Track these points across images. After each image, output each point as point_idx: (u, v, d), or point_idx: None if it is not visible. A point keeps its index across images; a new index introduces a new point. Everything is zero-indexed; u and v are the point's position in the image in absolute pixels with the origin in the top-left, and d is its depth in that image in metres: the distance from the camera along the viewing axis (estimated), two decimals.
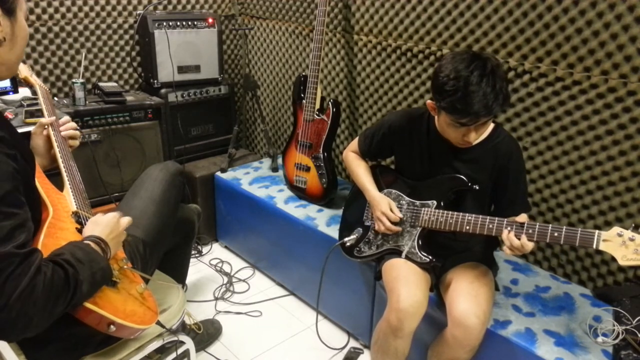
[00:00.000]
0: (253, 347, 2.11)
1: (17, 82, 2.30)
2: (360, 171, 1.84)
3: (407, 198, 1.72)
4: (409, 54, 2.20)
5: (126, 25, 2.74)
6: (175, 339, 1.50)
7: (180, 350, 1.56)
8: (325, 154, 2.31)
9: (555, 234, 1.36)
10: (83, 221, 1.29)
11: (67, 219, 1.27)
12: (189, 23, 2.69)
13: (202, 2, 2.98)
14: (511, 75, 1.89)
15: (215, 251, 2.81)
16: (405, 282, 1.58)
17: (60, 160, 1.41)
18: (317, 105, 2.31)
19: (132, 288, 1.30)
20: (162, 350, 1.52)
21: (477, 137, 1.51)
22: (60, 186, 1.36)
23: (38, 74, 2.50)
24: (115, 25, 2.70)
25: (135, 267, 1.38)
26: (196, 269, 2.61)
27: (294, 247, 2.33)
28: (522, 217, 1.55)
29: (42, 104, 1.57)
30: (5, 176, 0.97)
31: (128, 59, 2.80)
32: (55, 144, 1.43)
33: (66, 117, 1.52)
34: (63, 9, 2.51)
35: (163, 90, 2.69)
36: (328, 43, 2.53)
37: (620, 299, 1.67)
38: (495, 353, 1.58)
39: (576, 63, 1.72)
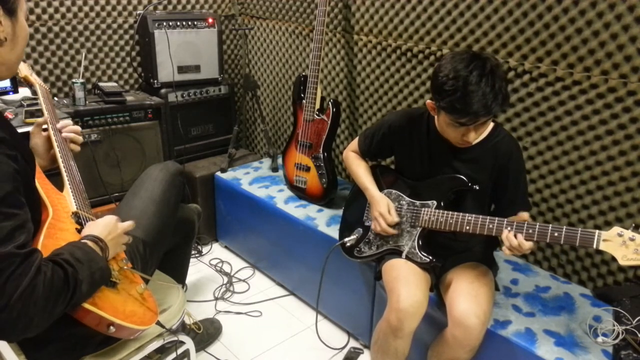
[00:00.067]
0: (253, 347, 2.11)
1: (17, 82, 2.30)
2: (361, 171, 1.84)
3: (407, 198, 1.72)
4: (409, 54, 2.20)
5: (126, 25, 2.74)
6: (175, 339, 1.50)
7: (180, 350, 1.56)
8: (325, 154, 2.31)
9: (556, 234, 1.36)
10: (83, 221, 1.29)
11: (67, 219, 1.27)
12: (189, 23, 2.69)
13: (202, 2, 2.98)
14: (511, 75, 1.89)
15: (215, 251, 2.81)
16: (406, 282, 1.58)
17: (60, 161, 1.40)
18: (317, 105, 2.31)
19: (132, 288, 1.30)
20: (162, 350, 1.52)
21: (476, 137, 1.51)
22: (60, 186, 1.36)
23: (38, 74, 2.49)
24: (115, 25, 2.70)
25: (135, 268, 1.38)
26: (196, 269, 2.61)
27: (294, 247, 2.33)
28: (524, 217, 1.55)
29: (42, 103, 1.56)
30: (5, 177, 0.98)
31: (128, 59, 2.80)
32: (55, 144, 1.42)
33: (68, 121, 1.51)
34: (63, 9, 2.51)
35: (163, 90, 2.69)
36: (328, 43, 2.53)
37: (620, 299, 1.67)
38: (495, 353, 1.58)
39: (576, 63, 1.72)
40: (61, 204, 1.29)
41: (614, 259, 1.28)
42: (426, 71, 2.16)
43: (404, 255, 1.67)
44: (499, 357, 1.58)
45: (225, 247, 2.83)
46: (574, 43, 1.70)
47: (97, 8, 2.62)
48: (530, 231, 1.40)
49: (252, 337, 2.17)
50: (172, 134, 2.72)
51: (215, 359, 2.03)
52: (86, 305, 1.11)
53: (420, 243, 1.66)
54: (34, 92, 2.26)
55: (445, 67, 1.43)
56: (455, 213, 1.56)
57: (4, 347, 1.16)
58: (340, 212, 2.06)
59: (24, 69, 1.76)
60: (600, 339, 1.53)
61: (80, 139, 1.51)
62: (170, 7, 2.87)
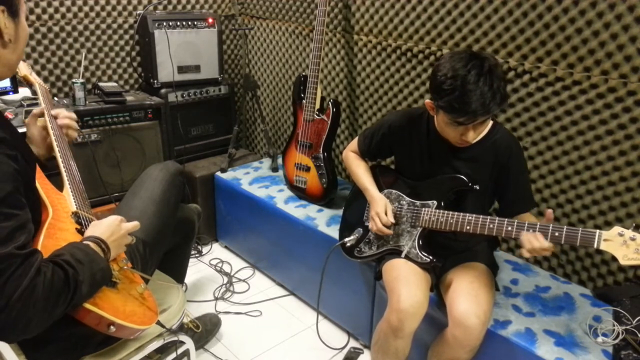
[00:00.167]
0: (253, 347, 2.11)
1: (17, 82, 2.30)
2: (360, 171, 1.84)
3: (407, 198, 1.72)
4: (409, 54, 2.20)
5: (126, 25, 2.74)
6: (175, 339, 1.50)
7: (180, 350, 1.56)
8: (325, 154, 2.31)
9: (556, 234, 1.36)
10: (83, 221, 1.29)
11: (67, 219, 1.27)
12: (189, 23, 2.69)
13: (202, 2, 2.98)
14: (511, 75, 1.89)
15: (215, 251, 2.81)
16: (406, 283, 1.58)
17: (60, 160, 1.40)
18: (317, 105, 2.31)
19: (132, 288, 1.30)
20: (162, 350, 1.52)
21: (475, 136, 1.51)
22: (60, 186, 1.36)
23: (38, 74, 2.49)
24: (115, 25, 2.70)
25: (135, 268, 1.38)
26: (196, 269, 2.61)
27: (294, 247, 2.33)
28: (530, 218, 1.55)
29: (42, 103, 1.56)
30: (6, 177, 0.98)
31: (128, 59, 2.80)
32: (51, 132, 1.42)
33: (63, 109, 1.51)
34: (63, 9, 2.51)
35: (163, 90, 2.69)
36: (328, 43, 2.53)
37: (620, 299, 1.67)
38: (495, 353, 1.58)
39: (576, 63, 1.72)
40: (61, 204, 1.29)
41: (614, 258, 1.28)
42: (426, 71, 2.16)
43: (403, 255, 1.67)
44: (499, 357, 1.58)
45: (225, 247, 2.83)
46: (574, 43, 1.70)
47: (97, 8, 2.62)
48: (531, 231, 1.40)
49: (252, 337, 2.17)
50: (172, 134, 2.72)
51: (216, 359, 2.03)
52: (86, 305, 1.11)
53: (421, 243, 1.66)
54: (34, 92, 2.26)
55: (443, 67, 1.43)
56: (456, 213, 1.56)
57: (4, 347, 1.16)
58: (340, 212, 2.06)
59: (24, 68, 1.76)
60: (600, 339, 1.53)
61: (75, 125, 1.51)
62: (170, 7, 2.87)
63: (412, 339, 1.60)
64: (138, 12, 2.69)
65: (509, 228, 1.45)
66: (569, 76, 1.74)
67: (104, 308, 1.15)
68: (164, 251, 1.65)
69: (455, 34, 2.02)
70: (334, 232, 2.08)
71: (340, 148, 2.68)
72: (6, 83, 2.26)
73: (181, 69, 2.73)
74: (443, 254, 1.68)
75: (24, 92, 2.35)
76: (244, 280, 2.55)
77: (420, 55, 2.16)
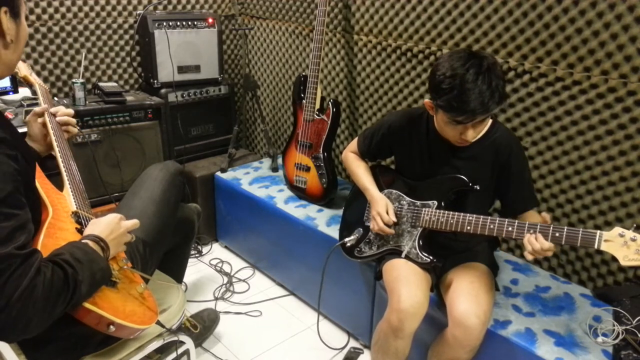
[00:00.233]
0: (253, 347, 2.11)
1: (17, 82, 2.30)
2: (360, 172, 1.84)
3: (407, 198, 1.72)
4: (409, 54, 2.20)
5: (126, 25, 2.74)
6: (176, 338, 1.50)
7: (180, 350, 1.56)
8: (325, 154, 2.31)
9: (557, 234, 1.36)
10: (83, 221, 1.29)
11: (67, 219, 1.27)
12: (189, 23, 2.69)
13: (202, 2, 2.98)
14: (511, 75, 1.89)
15: (215, 251, 2.81)
16: (406, 283, 1.58)
17: (60, 160, 1.41)
18: (317, 105, 2.31)
19: (132, 288, 1.30)
20: (162, 350, 1.52)
21: (475, 135, 1.51)
22: (60, 186, 1.36)
23: (38, 74, 2.49)
24: (115, 25, 2.70)
25: (135, 267, 1.38)
26: (196, 269, 2.61)
27: (294, 247, 2.33)
28: (535, 217, 1.54)
29: (42, 103, 1.56)
30: (6, 177, 0.98)
31: (128, 59, 2.80)
32: (51, 132, 1.43)
33: (61, 106, 1.52)
34: (63, 9, 2.51)
35: (163, 90, 2.69)
36: (328, 43, 2.53)
37: (620, 299, 1.67)
38: (495, 353, 1.58)
39: (576, 63, 1.72)
40: (61, 203, 1.29)
41: (614, 259, 1.28)
42: (426, 71, 2.16)
43: (403, 255, 1.67)
44: (499, 357, 1.58)
45: (225, 247, 2.83)
46: (574, 43, 1.70)
47: (97, 8, 2.62)
48: (532, 231, 1.40)
49: (252, 337, 2.17)
50: (172, 134, 2.72)
51: (216, 359, 2.03)
52: (86, 305, 1.11)
53: (421, 243, 1.66)
54: (34, 92, 2.26)
55: (442, 66, 1.43)
56: (456, 213, 1.56)
57: (4, 347, 1.16)
58: (340, 212, 2.06)
59: (24, 69, 1.76)
60: (600, 339, 1.53)
61: (73, 120, 1.52)
62: (170, 7, 2.87)
63: (412, 339, 1.60)
64: (138, 12, 2.69)
65: (510, 229, 1.45)
66: (569, 76, 1.74)
67: (104, 308, 1.15)
68: (164, 251, 1.65)
69: (455, 34, 2.02)
70: (334, 232, 2.08)
71: (340, 148, 2.68)
72: (6, 83, 2.26)
73: (181, 69, 2.73)
74: (443, 254, 1.68)
75: (24, 92, 2.35)
76: (244, 280, 2.55)
77: (420, 55, 2.16)
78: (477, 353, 1.55)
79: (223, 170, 2.71)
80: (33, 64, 2.51)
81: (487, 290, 1.56)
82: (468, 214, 1.54)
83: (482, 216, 1.51)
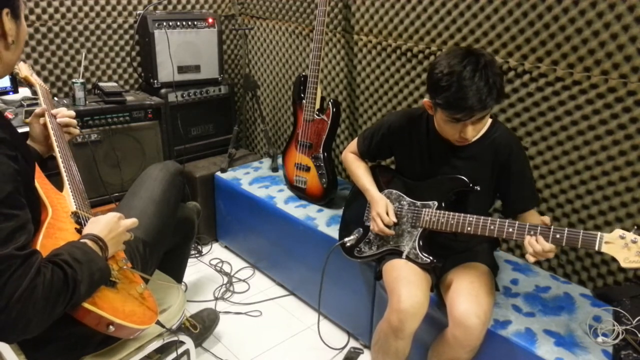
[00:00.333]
0: (253, 347, 2.11)
1: (17, 82, 2.30)
2: (360, 172, 1.84)
3: (407, 198, 1.72)
4: (409, 54, 2.20)
5: (126, 25, 2.74)
6: (176, 338, 1.50)
7: (180, 350, 1.56)
8: (325, 154, 2.31)
9: (558, 236, 1.36)
10: (82, 221, 1.29)
11: (67, 219, 1.27)
12: (189, 23, 2.69)
13: (202, 2, 2.98)
14: (511, 75, 1.89)
15: (215, 251, 2.81)
16: (406, 283, 1.58)
17: (60, 161, 1.41)
18: (317, 105, 2.31)
19: (131, 288, 1.30)
20: (162, 350, 1.52)
21: (474, 134, 1.51)
22: (60, 186, 1.36)
23: (38, 74, 2.49)
24: (115, 25, 2.70)
25: (135, 267, 1.38)
26: (196, 269, 2.61)
27: (294, 247, 2.33)
28: (534, 216, 1.54)
29: (42, 103, 1.57)
30: (6, 178, 0.98)
31: (128, 59, 2.80)
32: (51, 132, 1.44)
33: (63, 108, 1.53)
34: (63, 9, 2.51)
35: (163, 90, 2.69)
36: (328, 43, 2.53)
37: (620, 299, 1.67)
38: (495, 353, 1.58)
39: (576, 63, 1.72)
40: (61, 203, 1.29)
41: (614, 259, 1.28)
42: (426, 71, 2.15)
43: (404, 255, 1.67)
44: (499, 357, 1.58)
45: (225, 247, 2.83)
46: (574, 43, 1.70)
47: (97, 8, 2.62)
48: (532, 233, 1.40)
49: (252, 337, 2.17)
50: (172, 134, 2.72)
51: (216, 359, 2.03)
52: (86, 305, 1.11)
53: (421, 244, 1.66)
54: (34, 93, 2.26)
55: (440, 64, 1.43)
56: (457, 214, 1.56)
57: (4, 347, 1.16)
58: (340, 212, 2.06)
59: (24, 70, 1.76)
60: (600, 339, 1.53)
61: (74, 122, 1.53)
62: (170, 7, 2.87)
63: (412, 339, 1.60)
64: (138, 12, 2.69)
65: (510, 229, 1.44)
66: (569, 76, 1.74)
67: (104, 308, 1.15)
68: (164, 251, 1.65)
69: (455, 34, 2.01)
70: (334, 232, 2.08)
71: (340, 148, 2.68)
72: (6, 83, 2.26)
73: (181, 69, 2.73)
74: (443, 254, 1.67)
75: (24, 92, 2.35)
76: (244, 280, 2.55)
77: (420, 55, 2.16)
78: (477, 353, 1.55)
79: (223, 170, 2.71)
80: (33, 64, 2.51)
81: (487, 290, 1.56)
82: (468, 215, 1.54)
83: (482, 217, 1.51)
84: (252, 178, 2.65)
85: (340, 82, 2.56)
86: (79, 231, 1.26)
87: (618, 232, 1.27)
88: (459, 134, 1.49)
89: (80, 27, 2.59)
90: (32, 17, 2.44)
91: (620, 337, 1.49)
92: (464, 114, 1.42)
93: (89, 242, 1.16)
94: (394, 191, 1.76)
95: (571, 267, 1.93)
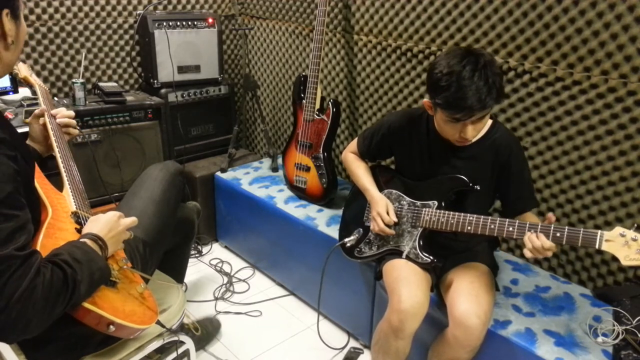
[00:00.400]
0: (253, 347, 2.11)
1: (17, 82, 2.30)
2: (360, 172, 1.84)
3: (407, 198, 1.72)
4: (409, 54, 2.20)
5: (126, 25, 2.74)
6: (176, 338, 1.50)
7: (180, 350, 1.56)
8: (325, 154, 2.31)
9: (558, 234, 1.36)
10: (82, 221, 1.29)
11: (67, 219, 1.27)
12: (189, 23, 2.69)
13: (202, 2, 2.98)
14: (511, 75, 1.89)
15: (215, 251, 2.81)
16: (406, 283, 1.58)
17: (60, 161, 1.41)
18: (317, 105, 2.31)
19: (131, 288, 1.30)
20: (162, 350, 1.52)
21: (474, 134, 1.51)
22: (60, 186, 1.36)
23: (38, 74, 2.50)
24: (115, 25, 2.70)
25: (135, 267, 1.38)
26: (196, 269, 2.61)
27: (294, 247, 2.33)
28: (533, 217, 1.54)
29: (42, 103, 1.57)
30: (6, 178, 0.98)
31: (128, 59, 2.80)
32: (51, 133, 1.44)
33: (62, 108, 1.53)
34: (63, 9, 2.52)
35: (163, 90, 2.69)
36: (328, 43, 2.53)
37: (620, 299, 1.67)
38: (495, 353, 1.58)
39: (576, 63, 1.72)
40: (60, 204, 1.29)
41: (614, 259, 1.28)
42: (426, 71, 2.15)
43: (404, 255, 1.67)
44: (499, 357, 1.58)
45: (225, 247, 2.83)
46: (574, 43, 1.70)
47: (97, 8, 2.62)
48: (532, 231, 1.40)
49: (252, 337, 2.17)
50: (172, 134, 2.72)
51: (216, 359, 2.03)
52: (86, 305, 1.11)
53: (421, 243, 1.66)
54: (34, 92, 2.26)
55: (439, 64, 1.43)
56: (457, 213, 1.56)
57: (4, 347, 1.16)
58: (340, 212, 2.06)
59: (24, 70, 1.76)
60: (600, 339, 1.53)
61: (74, 122, 1.53)
62: (170, 7, 2.87)
63: (412, 339, 1.60)
64: (138, 12, 2.69)
65: (510, 229, 1.45)
66: (569, 76, 1.74)
67: (104, 307, 1.15)
68: (164, 251, 1.65)
69: (455, 34, 2.01)
70: (334, 232, 2.08)
71: (340, 148, 2.68)
72: (6, 83, 2.26)
73: (181, 69, 2.73)
74: (443, 254, 1.68)
75: (24, 92, 2.35)
76: (244, 280, 2.55)
77: (420, 55, 2.16)
78: (478, 353, 1.55)
79: (223, 170, 2.71)
80: (33, 64, 2.51)
81: (487, 290, 1.56)
82: (468, 214, 1.54)
83: (482, 216, 1.51)
84: (252, 178, 2.65)
85: (340, 82, 2.56)
86: (79, 231, 1.26)
87: (618, 230, 1.27)
88: (459, 134, 1.49)
89: (80, 27, 2.59)
90: (32, 17, 2.44)
91: (620, 337, 1.49)
92: (464, 114, 1.42)
93: (89, 242, 1.16)
94: (394, 191, 1.76)
95: (571, 267, 1.93)
